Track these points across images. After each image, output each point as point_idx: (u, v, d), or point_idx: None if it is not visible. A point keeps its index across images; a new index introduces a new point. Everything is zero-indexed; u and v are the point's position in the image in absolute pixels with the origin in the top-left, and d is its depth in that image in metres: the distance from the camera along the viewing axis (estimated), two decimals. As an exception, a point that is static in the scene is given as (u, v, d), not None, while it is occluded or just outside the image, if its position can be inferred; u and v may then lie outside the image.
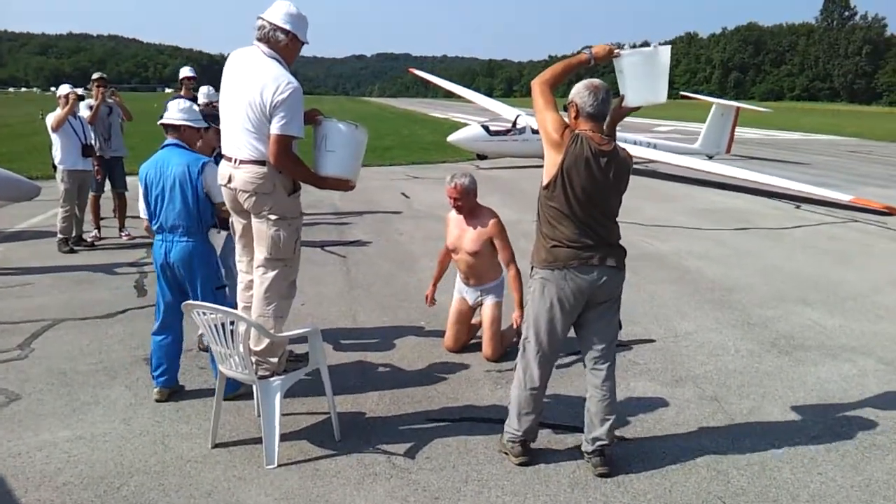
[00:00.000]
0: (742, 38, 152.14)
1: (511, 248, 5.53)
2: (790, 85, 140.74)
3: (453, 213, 5.65)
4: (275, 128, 3.82)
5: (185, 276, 4.60)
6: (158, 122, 4.88)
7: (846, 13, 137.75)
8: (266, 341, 4.03)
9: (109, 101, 9.35)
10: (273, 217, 3.98)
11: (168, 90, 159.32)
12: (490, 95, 31.87)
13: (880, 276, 8.28)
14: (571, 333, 3.93)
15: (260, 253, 4.08)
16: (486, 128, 18.80)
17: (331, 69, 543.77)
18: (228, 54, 4.26)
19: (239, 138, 3.98)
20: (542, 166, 3.81)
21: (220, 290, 4.69)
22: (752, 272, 8.31)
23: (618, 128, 4.13)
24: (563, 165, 3.63)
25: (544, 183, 3.73)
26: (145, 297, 6.91)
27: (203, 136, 4.98)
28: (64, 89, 8.86)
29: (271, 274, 4.06)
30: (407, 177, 16.69)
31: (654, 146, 19.76)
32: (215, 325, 3.93)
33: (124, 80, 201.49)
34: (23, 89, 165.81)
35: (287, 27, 3.98)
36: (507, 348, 5.55)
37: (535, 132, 18.68)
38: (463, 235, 5.53)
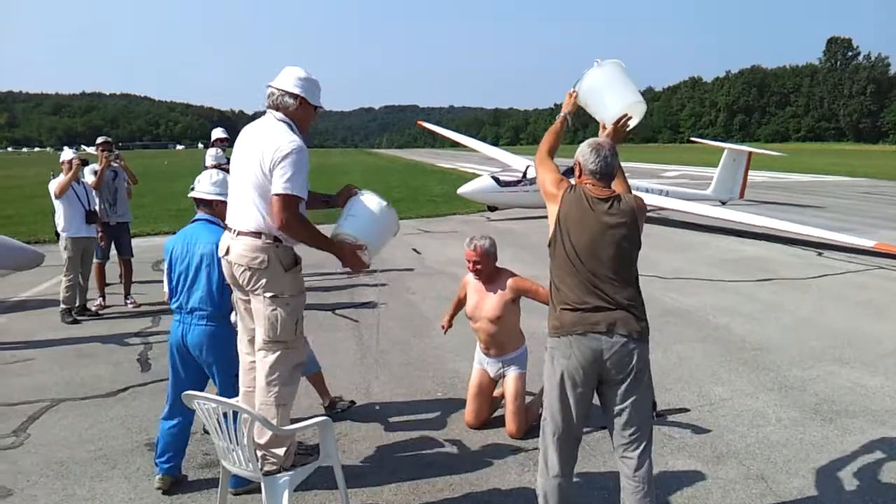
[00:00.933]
0: (746, 81, 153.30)
1: (545, 289, 5.12)
2: (795, 126, 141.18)
3: (471, 277, 5.35)
4: (276, 186, 3.57)
5: (203, 360, 4.29)
6: (189, 195, 4.58)
7: (849, 53, 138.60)
8: (269, 433, 3.70)
9: (114, 165, 9.17)
10: (269, 295, 3.68)
11: (179, 147, 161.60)
12: (496, 144, 31.99)
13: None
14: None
15: (259, 334, 3.76)
16: (496, 179, 18.61)
17: (340, 122, 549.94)
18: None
19: (240, 208, 3.74)
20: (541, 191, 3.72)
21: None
22: (782, 328, 7.95)
23: (627, 174, 3.91)
24: (559, 215, 3.50)
25: (547, 241, 3.58)
26: (149, 373, 6.61)
27: None
28: (67, 154, 8.68)
29: (271, 358, 3.73)
30: (417, 231, 16.44)
31: (666, 193, 19.51)
32: (216, 417, 3.62)
33: (136, 137, 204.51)
34: (36, 149, 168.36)
35: (296, 91, 3.78)
36: (532, 423, 5.19)
37: (546, 183, 18.54)
38: (482, 302, 5.21)
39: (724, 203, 19.80)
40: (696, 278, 10.68)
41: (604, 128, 4.01)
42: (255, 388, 3.86)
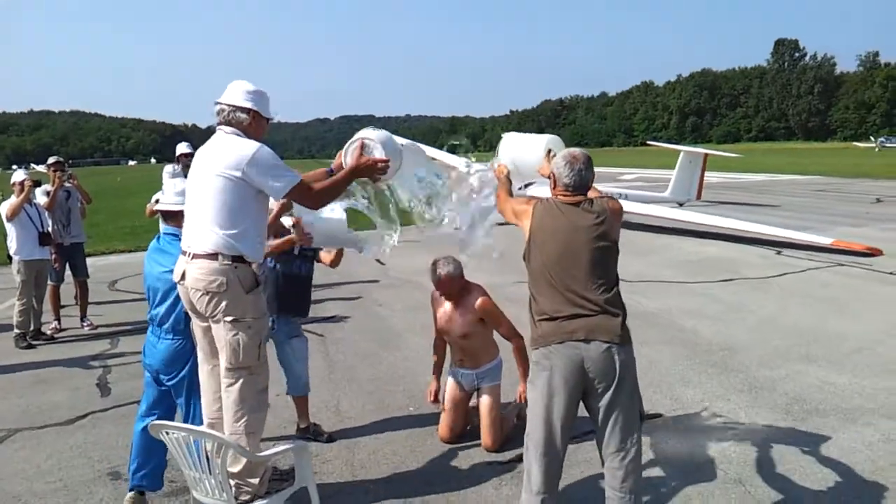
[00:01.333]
0: (697, 84, 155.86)
1: (508, 321, 5.16)
2: (746, 127, 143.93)
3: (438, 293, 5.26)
4: (278, 190, 3.57)
5: (165, 374, 4.10)
6: (153, 208, 4.38)
7: (796, 54, 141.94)
8: (242, 461, 3.57)
9: (67, 185, 8.90)
10: (229, 319, 3.54)
11: (132, 163, 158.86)
12: (454, 152, 31.86)
13: (878, 324, 7.98)
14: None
15: (222, 361, 3.61)
16: (457, 188, 18.54)
17: (295, 133, 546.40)
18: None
19: (195, 229, 3.59)
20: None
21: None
22: (747, 328, 8.00)
23: None
24: (532, 228, 3.52)
25: (522, 255, 3.58)
26: (109, 397, 6.40)
27: None
28: (18, 175, 8.41)
29: (236, 386, 3.58)
30: (380, 242, 16.27)
31: (625, 196, 19.62)
32: (185, 445, 3.48)
33: (87, 154, 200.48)
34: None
35: (248, 105, 3.68)
36: (507, 434, 5.12)
37: (507, 189, 18.54)
38: (452, 318, 5.13)
39: (681, 204, 20.00)
40: (660, 281, 10.73)
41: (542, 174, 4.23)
42: (222, 418, 3.71)
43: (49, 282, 8.78)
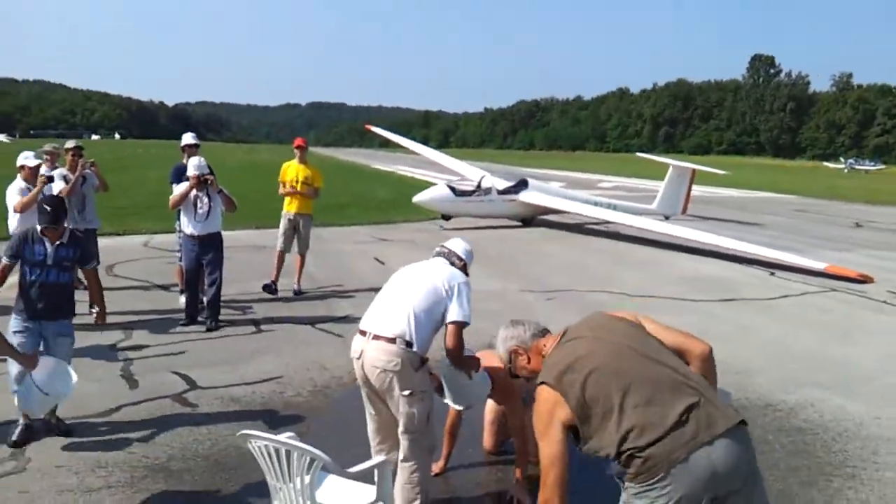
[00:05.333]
0: (672, 94, 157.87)
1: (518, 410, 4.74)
2: (718, 139, 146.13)
3: None
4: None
5: None
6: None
7: (771, 70, 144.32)
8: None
9: (87, 171, 8.77)
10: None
11: (95, 137, 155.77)
12: (426, 145, 32.01)
13: (883, 353, 8.26)
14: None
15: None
16: (452, 188, 18.66)
17: (263, 117, 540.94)
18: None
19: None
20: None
21: None
22: (756, 351, 8.18)
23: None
24: (584, 383, 2.82)
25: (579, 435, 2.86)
26: (138, 390, 6.36)
27: None
28: (30, 160, 8.14)
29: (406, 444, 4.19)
30: (374, 239, 16.32)
31: (614, 207, 19.90)
32: (269, 454, 3.52)
33: (50, 125, 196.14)
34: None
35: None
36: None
37: (501, 192, 18.69)
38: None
39: (667, 218, 20.30)
40: (662, 297, 10.89)
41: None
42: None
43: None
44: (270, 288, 10.10)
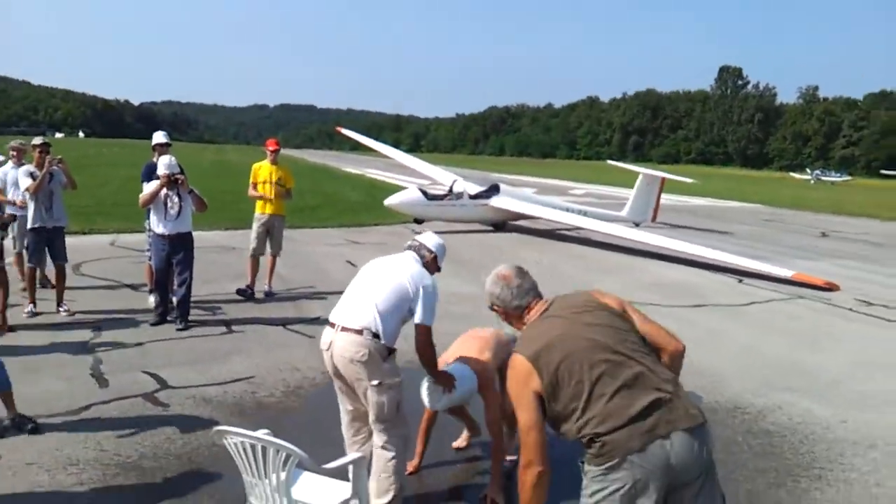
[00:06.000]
0: (641, 103, 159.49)
1: (494, 406, 4.71)
2: (686, 149, 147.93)
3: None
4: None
5: None
6: None
7: (739, 82, 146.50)
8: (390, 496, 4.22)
9: (55, 168, 8.63)
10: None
11: (59, 135, 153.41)
12: (397, 149, 32.08)
13: (849, 359, 8.42)
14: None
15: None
16: (424, 192, 18.63)
17: (231, 117, 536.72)
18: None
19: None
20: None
21: None
22: (726, 356, 8.29)
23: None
24: (540, 371, 2.97)
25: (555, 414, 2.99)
26: (108, 389, 6.27)
27: None
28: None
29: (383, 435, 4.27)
30: (346, 241, 16.26)
31: (585, 213, 20.02)
32: (244, 450, 3.49)
33: (13, 122, 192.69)
34: None
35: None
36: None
37: (472, 197, 18.72)
38: None
39: (637, 225, 20.46)
40: (634, 301, 10.92)
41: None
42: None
43: (27, 264, 8.54)
44: (246, 293, 9.98)
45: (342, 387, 4.32)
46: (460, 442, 5.44)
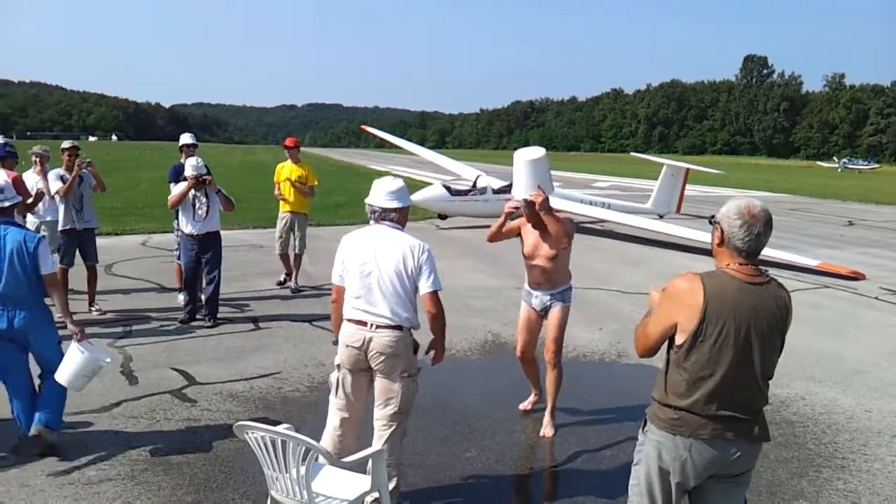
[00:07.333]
0: (666, 95, 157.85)
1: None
2: (712, 139, 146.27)
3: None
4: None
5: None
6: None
7: (765, 71, 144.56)
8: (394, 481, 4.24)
9: (85, 171, 8.82)
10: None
11: (92, 138, 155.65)
12: (422, 146, 32.09)
13: (873, 348, 8.39)
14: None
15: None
16: (448, 188, 18.71)
17: (261, 118, 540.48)
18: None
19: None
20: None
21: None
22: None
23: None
24: (705, 311, 2.91)
25: (677, 342, 3.01)
26: (137, 386, 6.43)
27: None
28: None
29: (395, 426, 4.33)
30: (369, 238, 16.34)
31: (608, 206, 19.95)
32: (265, 445, 3.59)
33: (46, 127, 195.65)
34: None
35: None
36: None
37: (496, 192, 18.74)
38: (540, 243, 5.55)
39: (661, 217, 20.33)
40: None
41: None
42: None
43: (59, 265, 8.72)
44: (285, 282, 10.58)
45: (353, 385, 4.36)
46: (526, 405, 6.15)
